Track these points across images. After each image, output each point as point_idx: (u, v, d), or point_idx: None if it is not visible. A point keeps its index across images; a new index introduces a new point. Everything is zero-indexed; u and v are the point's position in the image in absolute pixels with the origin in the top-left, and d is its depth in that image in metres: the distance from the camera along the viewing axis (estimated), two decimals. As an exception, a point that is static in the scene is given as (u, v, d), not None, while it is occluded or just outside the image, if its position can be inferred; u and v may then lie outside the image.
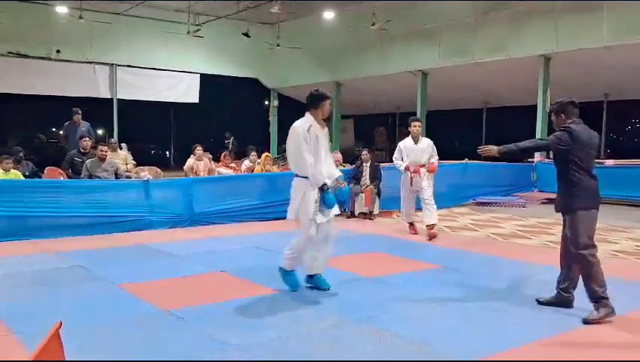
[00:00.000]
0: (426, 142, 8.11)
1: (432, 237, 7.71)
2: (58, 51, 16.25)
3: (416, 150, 8.06)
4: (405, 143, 8.17)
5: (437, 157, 8.16)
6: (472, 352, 3.58)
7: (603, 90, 16.28)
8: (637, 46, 11.94)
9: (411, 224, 8.32)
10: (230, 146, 17.95)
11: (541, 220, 9.59)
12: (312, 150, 4.76)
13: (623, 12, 11.93)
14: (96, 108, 17.03)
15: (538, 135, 13.81)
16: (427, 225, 7.85)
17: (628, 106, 19.18)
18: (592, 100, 17.27)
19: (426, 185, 8.02)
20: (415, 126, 8.02)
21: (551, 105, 4.53)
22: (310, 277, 5.11)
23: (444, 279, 5.55)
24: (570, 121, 4.35)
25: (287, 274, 5.05)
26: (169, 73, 18.53)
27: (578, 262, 4.28)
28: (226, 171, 11.37)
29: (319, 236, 4.91)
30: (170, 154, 25.84)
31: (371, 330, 3.98)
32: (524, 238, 7.91)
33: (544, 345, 3.77)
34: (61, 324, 2.13)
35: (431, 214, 7.86)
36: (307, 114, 4.94)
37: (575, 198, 4.26)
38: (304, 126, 4.81)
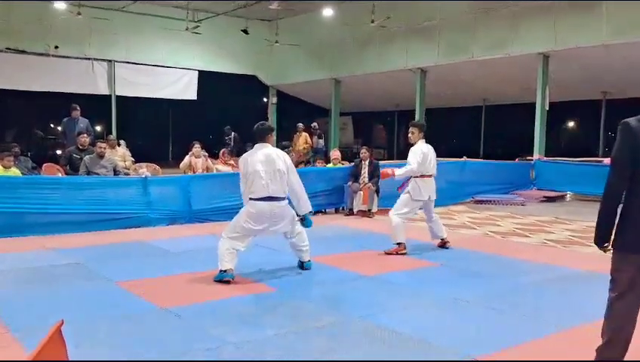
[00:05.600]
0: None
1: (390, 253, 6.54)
2: (56, 47, 16.19)
3: None
4: None
5: (407, 164, 6.67)
6: (470, 350, 3.58)
7: (602, 88, 16.28)
8: (636, 44, 11.94)
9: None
10: (232, 142, 17.31)
11: (539, 218, 9.59)
12: None
13: (622, 10, 11.93)
14: (94, 105, 16.96)
15: (536, 133, 13.82)
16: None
17: (626, 105, 19.16)
18: (590, 99, 17.30)
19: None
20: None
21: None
22: None
23: (442, 277, 5.56)
24: None
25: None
26: (167, 70, 18.49)
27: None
28: (224, 169, 11.33)
29: None
30: (168, 151, 25.80)
31: (369, 328, 3.98)
32: (523, 236, 7.91)
33: (543, 343, 3.76)
34: (62, 322, 2.07)
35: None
36: None
37: None
38: None
